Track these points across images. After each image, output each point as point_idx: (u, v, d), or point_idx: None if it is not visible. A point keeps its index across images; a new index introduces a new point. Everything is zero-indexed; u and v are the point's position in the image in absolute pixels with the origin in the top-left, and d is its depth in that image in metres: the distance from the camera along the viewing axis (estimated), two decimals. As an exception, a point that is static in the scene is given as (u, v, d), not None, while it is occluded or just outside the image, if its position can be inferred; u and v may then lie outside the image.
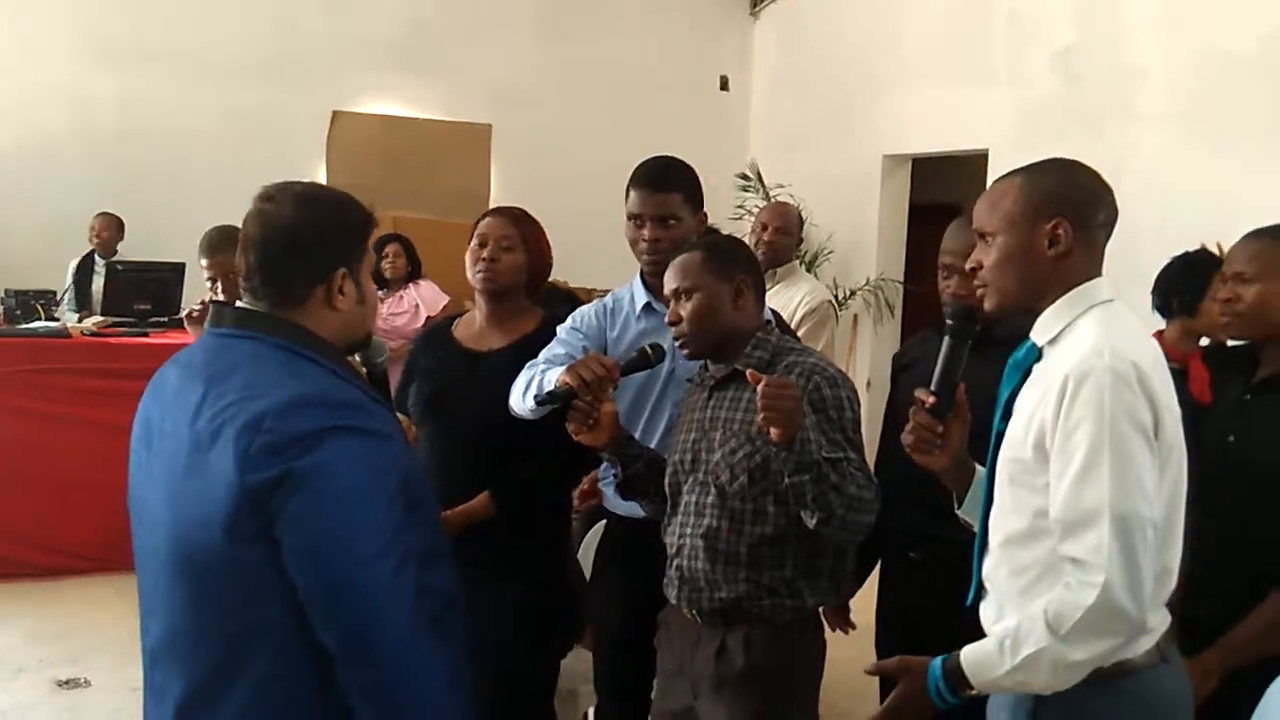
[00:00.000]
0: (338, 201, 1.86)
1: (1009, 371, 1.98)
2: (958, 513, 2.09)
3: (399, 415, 2.11)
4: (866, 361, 7.82)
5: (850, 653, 2.79)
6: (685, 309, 2.38)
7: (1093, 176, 1.93)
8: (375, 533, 1.65)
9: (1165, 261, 3.61)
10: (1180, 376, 3.25)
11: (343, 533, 1.62)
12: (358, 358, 2.04)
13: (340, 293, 1.80)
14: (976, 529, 2.01)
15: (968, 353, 2.01)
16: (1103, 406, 1.70)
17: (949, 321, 2.03)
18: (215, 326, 1.82)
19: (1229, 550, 2.30)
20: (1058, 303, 1.87)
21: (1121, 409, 1.70)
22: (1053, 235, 1.85)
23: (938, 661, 1.84)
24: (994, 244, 1.90)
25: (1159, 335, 3.41)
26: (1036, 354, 1.91)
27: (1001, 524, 1.91)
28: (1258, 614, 2.24)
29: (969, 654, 1.81)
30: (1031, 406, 1.83)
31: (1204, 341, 3.39)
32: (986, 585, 1.97)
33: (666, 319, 2.45)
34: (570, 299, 4.05)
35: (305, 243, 1.78)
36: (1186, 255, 3.54)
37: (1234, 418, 2.42)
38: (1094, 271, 1.88)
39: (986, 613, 1.97)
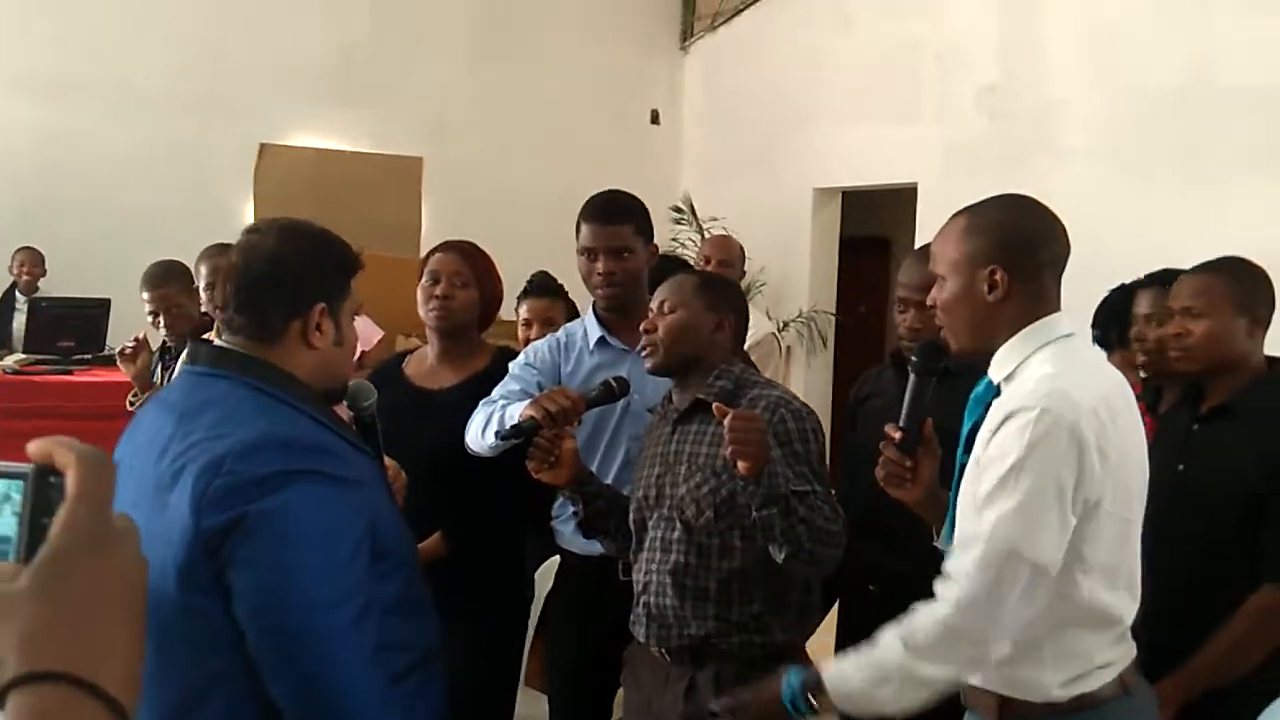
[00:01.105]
0: (323, 237, 1.84)
1: (971, 406, 2.01)
2: (937, 544, 2.10)
3: (388, 460, 2.06)
4: (799, 393, 7.86)
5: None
6: (662, 321, 2.38)
7: (1037, 214, 1.95)
8: (332, 580, 1.60)
9: (1090, 294, 3.67)
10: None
11: (297, 579, 1.58)
12: (346, 403, 1.99)
13: (318, 330, 1.76)
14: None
15: (933, 387, 2.04)
16: (1023, 444, 1.74)
17: (914, 358, 2.06)
18: (191, 364, 1.78)
19: (1182, 578, 2.34)
20: (1011, 340, 1.89)
21: (1041, 451, 1.73)
22: (990, 281, 1.87)
23: (796, 669, 1.91)
24: (944, 287, 1.94)
25: None
26: (995, 390, 1.94)
27: None
28: (1214, 642, 2.27)
29: (833, 665, 1.88)
30: (982, 444, 1.86)
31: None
32: None
33: (641, 326, 2.44)
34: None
35: (285, 274, 1.75)
36: (1124, 287, 3.60)
37: (1182, 447, 2.47)
38: (1044, 309, 1.90)
39: None
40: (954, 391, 2.19)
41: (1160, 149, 5.29)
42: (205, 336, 2.01)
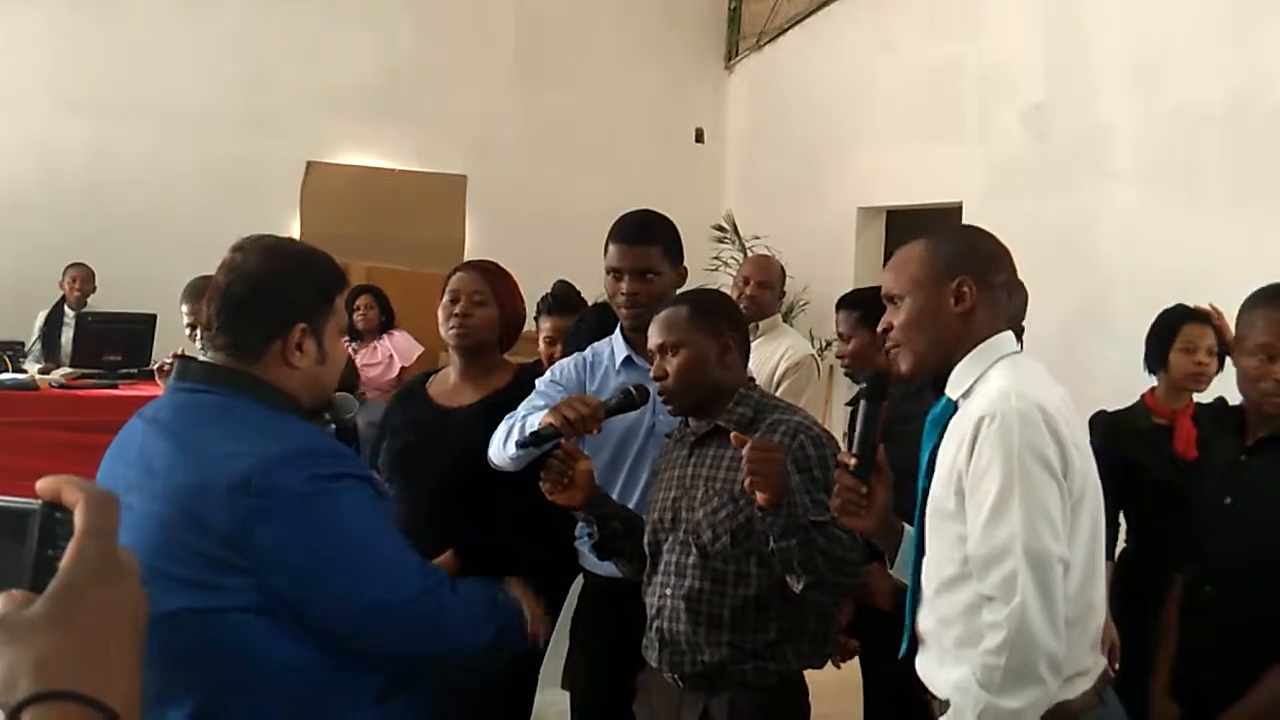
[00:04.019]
0: (306, 255, 1.82)
1: (928, 430, 2.01)
2: (890, 572, 2.12)
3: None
4: (843, 414, 7.80)
5: (828, 710, 2.74)
6: (671, 364, 2.33)
7: (991, 240, 2.02)
8: (394, 566, 1.68)
9: (1135, 313, 3.58)
10: (1166, 433, 3.22)
11: (367, 579, 1.64)
12: (328, 415, 1.99)
13: (298, 349, 1.74)
14: (909, 584, 2.03)
15: (881, 414, 2.03)
16: (1010, 446, 1.75)
17: (861, 384, 2.06)
18: (180, 381, 1.76)
19: (1227, 615, 2.28)
20: (968, 357, 1.93)
21: (1028, 448, 1.75)
22: (958, 293, 1.92)
23: None
24: (902, 306, 1.97)
25: (1150, 394, 3.36)
26: (952, 409, 1.95)
27: (934, 574, 1.94)
28: (1262, 688, 2.19)
29: None
30: (950, 457, 1.88)
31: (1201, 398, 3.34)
32: (922, 637, 1.99)
33: (652, 374, 2.40)
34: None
35: (265, 294, 1.74)
36: (1168, 311, 3.47)
37: (1230, 479, 2.39)
38: (998, 326, 1.95)
39: (925, 663, 1.98)
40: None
41: (1208, 171, 5.18)
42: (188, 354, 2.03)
